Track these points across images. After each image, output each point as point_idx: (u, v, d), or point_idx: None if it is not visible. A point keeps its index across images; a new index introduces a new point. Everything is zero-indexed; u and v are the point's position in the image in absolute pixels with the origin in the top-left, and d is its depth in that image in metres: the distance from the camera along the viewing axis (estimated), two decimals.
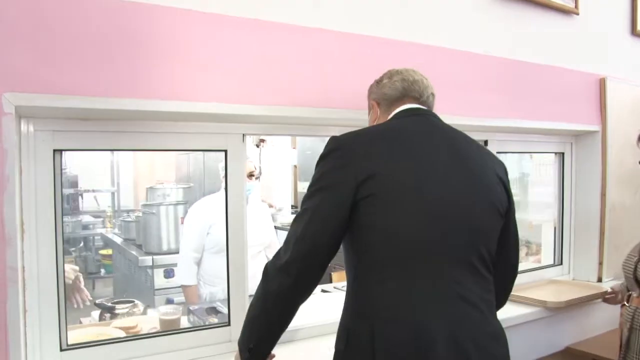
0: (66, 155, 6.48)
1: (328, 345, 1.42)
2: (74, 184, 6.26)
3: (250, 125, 1.84)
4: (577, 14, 2.62)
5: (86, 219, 6.29)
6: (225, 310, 1.86)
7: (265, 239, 3.19)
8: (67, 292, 2.14)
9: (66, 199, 6.17)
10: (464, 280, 1.31)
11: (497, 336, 1.37)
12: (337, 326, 1.39)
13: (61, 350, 1.59)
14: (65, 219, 5.84)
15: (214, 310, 2.20)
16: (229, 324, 1.83)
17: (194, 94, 1.61)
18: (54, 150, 1.58)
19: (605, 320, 2.59)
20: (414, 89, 1.53)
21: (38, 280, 1.55)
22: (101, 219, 6.22)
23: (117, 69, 1.49)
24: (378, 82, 1.62)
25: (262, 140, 5.97)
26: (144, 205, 4.13)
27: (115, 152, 6.03)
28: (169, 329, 1.90)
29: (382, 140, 1.37)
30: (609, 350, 2.22)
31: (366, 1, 1.97)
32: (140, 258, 3.93)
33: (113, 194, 6.26)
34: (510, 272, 1.59)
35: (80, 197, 6.40)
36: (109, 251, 5.45)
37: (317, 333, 1.97)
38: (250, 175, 2.99)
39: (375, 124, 1.58)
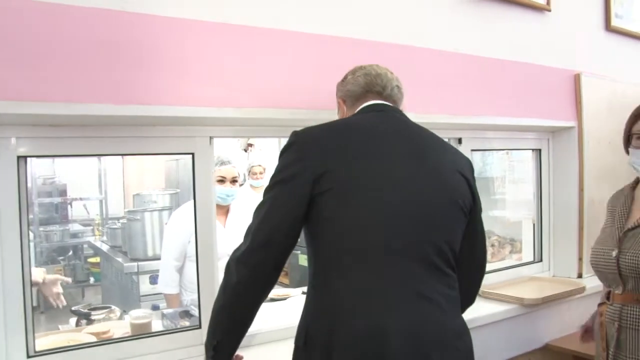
0: (55, 164, 6.48)
1: (288, 348, 1.41)
2: (62, 192, 6.26)
3: (218, 127, 1.84)
4: (549, 10, 2.63)
5: (75, 227, 6.29)
6: (198, 313, 1.85)
7: None
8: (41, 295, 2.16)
9: (55, 207, 6.17)
10: (424, 277, 1.31)
11: (459, 333, 1.37)
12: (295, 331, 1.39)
13: (28, 357, 1.58)
14: (53, 227, 5.90)
15: (187, 314, 2.19)
16: (199, 327, 1.83)
17: (160, 98, 1.61)
18: (18, 157, 1.58)
19: (584, 316, 2.57)
20: (376, 83, 1.53)
21: (3, 288, 1.55)
22: (91, 227, 6.23)
23: (82, 75, 1.50)
24: (343, 79, 1.62)
25: (250, 145, 5.96)
26: (129, 212, 4.13)
27: (102, 160, 6.05)
28: (140, 333, 1.90)
29: (342, 135, 1.38)
30: (588, 346, 2.21)
31: (338, 2, 1.97)
32: (125, 265, 3.93)
33: (101, 201, 6.26)
34: (478, 271, 1.59)
35: (69, 206, 6.41)
36: (97, 259, 5.45)
37: (278, 337, 1.96)
38: (234, 180, 2.96)
39: None
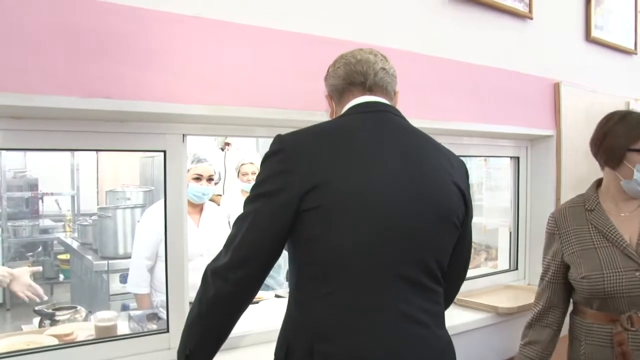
0: (27, 158, 6.33)
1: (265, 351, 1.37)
2: (33, 186, 6.12)
3: (191, 125, 1.78)
4: (531, 18, 2.62)
5: (46, 222, 6.16)
6: (166, 316, 1.79)
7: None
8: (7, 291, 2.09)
9: (25, 202, 6.03)
10: (410, 298, 1.26)
11: (443, 349, 1.33)
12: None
13: None
14: (23, 222, 5.76)
15: (155, 316, 2.13)
16: (167, 331, 1.77)
17: (129, 92, 1.54)
18: None
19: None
20: (356, 71, 1.40)
21: None
22: (62, 223, 6.10)
23: (44, 65, 1.41)
24: (326, 75, 1.52)
25: (227, 144, 5.87)
26: (100, 209, 4.05)
27: (76, 155, 5.93)
28: (105, 336, 1.83)
29: (330, 143, 1.28)
30: (561, 355, 2.20)
31: (318, 2, 1.93)
32: (95, 263, 3.85)
33: (73, 197, 6.13)
34: (460, 277, 1.55)
35: (40, 201, 6.26)
36: (67, 256, 5.33)
37: (264, 340, 1.91)
38: (210, 179, 2.90)
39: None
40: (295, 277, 1.30)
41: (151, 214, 2.88)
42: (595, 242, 1.81)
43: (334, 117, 1.49)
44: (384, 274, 1.24)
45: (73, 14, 1.45)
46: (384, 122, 1.37)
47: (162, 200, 2.74)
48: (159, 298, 2.80)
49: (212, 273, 1.27)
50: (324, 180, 1.22)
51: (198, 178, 2.80)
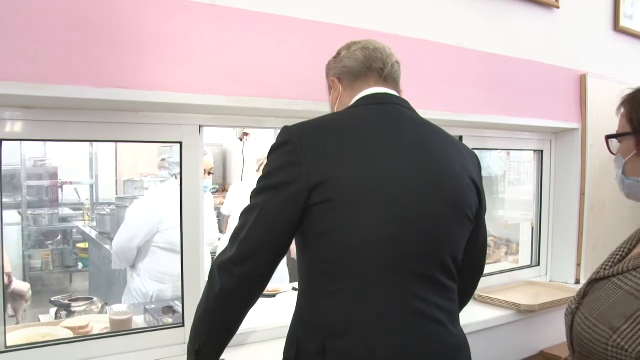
0: (47, 147, 6.35)
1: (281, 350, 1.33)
2: (53, 175, 6.16)
3: (208, 116, 1.75)
4: (558, 7, 2.55)
5: (65, 211, 6.20)
6: (181, 310, 1.77)
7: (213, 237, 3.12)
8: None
9: (45, 191, 6.08)
10: (424, 294, 1.21)
11: (458, 347, 1.28)
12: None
13: None
14: (42, 211, 5.80)
15: (170, 310, 2.11)
16: (182, 325, 1.75)
17: (147, 83, 1.52)
18: None
19: None
20: (376, 58, 1.38)
21: None
22: (81, 212, 6.14)
23: (57, 54, 1.39)
24: (335, 57, 1.48)
25: (246, 134, 5.85)
26: (118, 199, 4.05)
27: (94, 144, 5.96)
28: (120, 329, 1.82)
29: (340, 136, 1.23)
30: None
31: None
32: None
33: (92, 186, 6.16)
34: (476, 274, 1.50)
35: (60, 189, 6.31)
36: (86, 245, 5.37)
37: (272, 336, 1.88)
38: (210, 172, 2.91)
39: (337, 104, 1.44)
40: (306, 274, 1.26)
41: (145, 205, 2.84)
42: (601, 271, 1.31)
43: (338, 100, 1.44)
44: (397, 270, 1.20)
45: (86, 3, 1.42)
46: (395, 115, 1.33)
47: (157, 190, 2.72)
48: (156, 287, 2.73)
49: (219, 268, 1.24)
50: (333, 173, 1.18)
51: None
